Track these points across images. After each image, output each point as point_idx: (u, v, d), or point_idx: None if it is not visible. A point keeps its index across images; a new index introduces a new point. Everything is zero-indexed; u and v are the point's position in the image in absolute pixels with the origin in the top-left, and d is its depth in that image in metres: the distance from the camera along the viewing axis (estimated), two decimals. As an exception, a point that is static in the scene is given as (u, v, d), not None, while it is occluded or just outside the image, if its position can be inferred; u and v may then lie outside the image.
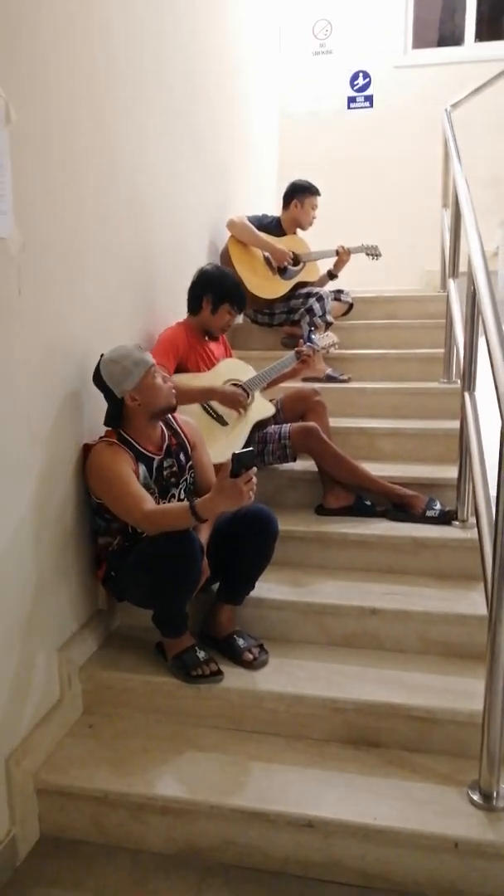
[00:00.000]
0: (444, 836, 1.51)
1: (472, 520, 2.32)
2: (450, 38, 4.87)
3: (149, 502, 1.81)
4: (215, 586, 2.07)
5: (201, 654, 1.92)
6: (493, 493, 1.73)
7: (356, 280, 4.04)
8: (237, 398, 2.43)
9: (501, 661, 1.52)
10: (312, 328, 3.16)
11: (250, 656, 1.96)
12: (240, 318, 3.78)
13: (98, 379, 1.90)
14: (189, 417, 2.19)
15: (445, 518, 2.36)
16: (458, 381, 3.01)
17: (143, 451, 1.94)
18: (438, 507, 2.39)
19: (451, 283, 2.97)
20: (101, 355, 1.91)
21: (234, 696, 1.87)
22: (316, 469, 2.55)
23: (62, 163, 1.80)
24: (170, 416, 2.04)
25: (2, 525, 1.59)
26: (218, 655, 1.98)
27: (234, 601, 2.06)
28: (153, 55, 2.47)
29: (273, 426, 2.58)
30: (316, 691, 1.84)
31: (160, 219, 2.60)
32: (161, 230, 2.61)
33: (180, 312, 2.62)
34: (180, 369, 2.47)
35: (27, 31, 1.62)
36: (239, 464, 1.66)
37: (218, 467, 2.16)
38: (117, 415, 1.92)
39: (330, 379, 3.20)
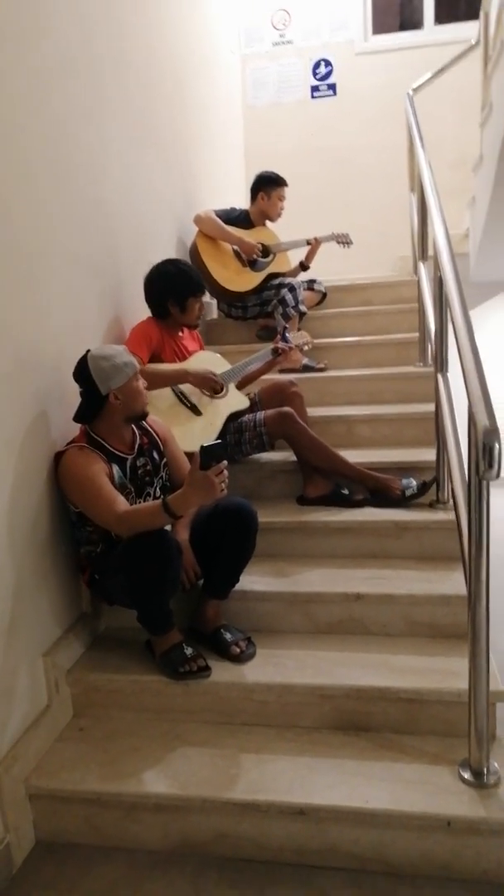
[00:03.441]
0: (437, 815, 1.52)
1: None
2: (410, 22, 4.87)
3: (121, 504, 1.80)
4: (201, 582, 2.06)
5: (188, 651, 1.92)
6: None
7: (331, 269, 4.04)
8: (209, 379, 2.42)
9: (483, 638, 1.53)
10: (286, 327, 3.16)
11: (237, 650, 1.96)
12: (214, 314, 3.78)
13: (83, 373, 1.88)
14: (159, 412, 2.19)
15: (425, 489, 2.37)
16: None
17: (114, 451, 1.93)
18: (413, 482, 2.40)
19: (422, 267, 2.98)
20: (88, 350, 1.90)
21: (222, 690, 1.87)
22: (295, 459, 2.55)
23: (13, 163, 1.77)
24: None
25: (-24, 533, 1.58)
26: (206, 650, 1.97)
27: (219, 596, 2.05)
28: (106, 49, 2.44)
29: (248, 415, 2.58)
30: (304, 679, 1.85)
31: (124, 217, 2.58)
32: (126, 229, 2.60)
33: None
34: (154, 361, 2.46)
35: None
36: (208, 456, 1.65)
37: (190, 456, 2.16)
38: (94, 411, 1.91)
39: (307, 369, 3.21)
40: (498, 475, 1.38)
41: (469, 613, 1.54)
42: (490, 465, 1.38)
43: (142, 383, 1.95)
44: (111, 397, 1.89)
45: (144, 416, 2.00)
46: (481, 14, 3.40)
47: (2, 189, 1.70)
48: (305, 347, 2.87)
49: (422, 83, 3.75)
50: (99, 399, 1.89)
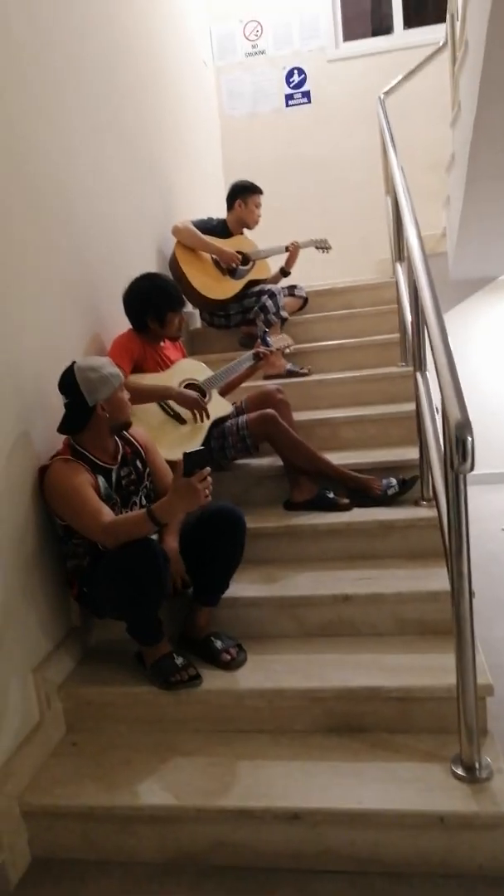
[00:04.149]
0: (429, 812, 1.52)
1: (438, 498, 2.34)
2: (379, 27, 4.92)
3: (107, 515, 1.80)
4: (190, 590, 2.06)
5: (179, 660, 1.91)
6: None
7: (313, 275, 4.06)
8: (195, 401, 2.43)
9: (467, 633, 1.53)
10: (267, 330, 3.18)
11: (227, 657, 1.96)
12: (197, 323, 3.80)
13: (69, 385, 1.88)
14: (141, 422, 2.19)
15: (406, 486, 2.38)
16: (415, 363, 3.04)
17: (98, 462, 1.94)
18: (394, 480, 2.40)
19: (399, 268, 3.00)
20: (73, 362, 1.91)
21: (214, 698, 1.86)
22: (280, 465, 2.55)
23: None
24: None
25: (-42, 551, 1.58)
26: (197, 659, 1.97)
27: (209, 603, 2.05)
28: (70, 63, 2.44)
29: (231, 420, 2.58)
30: (295, 683, 1.84)
31: (99, 231, 2.59)
32: (102, 243, 2.61)
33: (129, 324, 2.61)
34: (136, 371, 2.47)
35: None
36: (191, 463, 1.66)
37: (174, 465, 2.16)
38: (81, 423, 1.91)
39: (291, 374, 3.22)
40: (472, 468, 1.38)
41: (453, 609, 1.54)
42: (464, 459, 1.38)
43: (126, 394, 1.97)
44: (98, 408, 1.89)
45: (128, 426, 2.01)
46: (448, 16, 3.43)
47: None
48: (287, 350, 2.89)
49: (392, 86, 3.79)
50: (86, 410, 1.89)
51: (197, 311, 3.71)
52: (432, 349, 1.64)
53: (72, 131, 2.40)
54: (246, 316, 3.45)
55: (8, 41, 1.98)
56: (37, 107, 2.10)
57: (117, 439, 2.02)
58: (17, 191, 1.95)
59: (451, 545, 1.54)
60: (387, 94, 3.70)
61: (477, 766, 1.59)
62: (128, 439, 2.06)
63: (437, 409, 2.00)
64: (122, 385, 1.94)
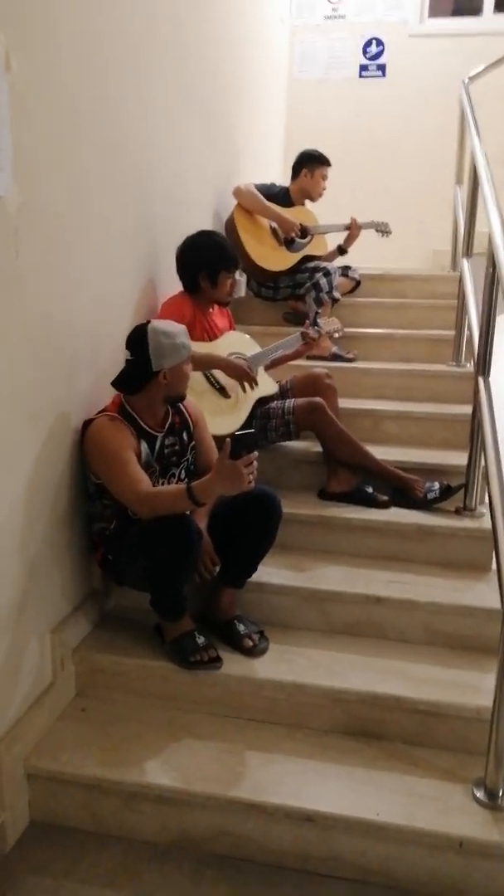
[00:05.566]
0: (449, 834, 1.47)
1: (481, 509, 2.26)
2: (467, 7, 4.69)
3: (145, 484, 1.73)
4: (217, 568, 2.00)
5: (200, 640, 1.86)
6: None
7: (363, 256, 3.92)
8: (244, 372, 2.34)
9: (515, 657, 1.46)
10: (318, 311, 3.07)
11: (250, 643, 1.90)
12: (242, 292, 3.68)
13: (139, 344, 1.80)
14: (189, 392, 2.11)
15: (448, 494, 2.30)
16: (468, 365, 2.94)
17: (145, 427, 1.86)
18: (437, 485, 2.33)
19: (465, 263, 2.87)
20: (148, 321, 1.83)
21: (232, 683, 1.81)
22: (319, 450, 2.47)
23: (65, 122, 1.69)
24: None
25: (-4, 502, 1.51)
26: (217, 640, 1.92)
27: (235, 584, 1.99)
28: (162, 16, 2.32)
29: (277, 402, 2.50)
30: (317, 680, 1.79)
31: (163, 187, 2.48)
32: (164, 198, 2.49)
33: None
34: None
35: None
36: (239, 445, 1.59)
37: (216, 440, 2.08)
38: (139, 384, 1.83)
39: (336, 357, 3.12)
40: None
41: (502, 629, 1.47)
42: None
43: (189, 367, 1.89)
44: (160, 375, 1.82)
45: (182, 399, 1.94)
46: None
47: (42, 143, 1.61)
48: (336, 335, 2.78)
49: (479, 72, 3.60)
50: (147, 374, 1.81)
51: (244, 279, 3.59)
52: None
53: (144, 80, 2.26)
54: (295, 291, 3.33)
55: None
56: (113, 56, 1.97)
57: (169, 407, 1.94)
58: (91, 139, 1.84)
59: (511, 565, 1.46)
60: (472, 79, 3.52)
61: (501, 793, 1.53)
62: (179, 409, 1.98)
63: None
64: (189, 358, 1.86)
